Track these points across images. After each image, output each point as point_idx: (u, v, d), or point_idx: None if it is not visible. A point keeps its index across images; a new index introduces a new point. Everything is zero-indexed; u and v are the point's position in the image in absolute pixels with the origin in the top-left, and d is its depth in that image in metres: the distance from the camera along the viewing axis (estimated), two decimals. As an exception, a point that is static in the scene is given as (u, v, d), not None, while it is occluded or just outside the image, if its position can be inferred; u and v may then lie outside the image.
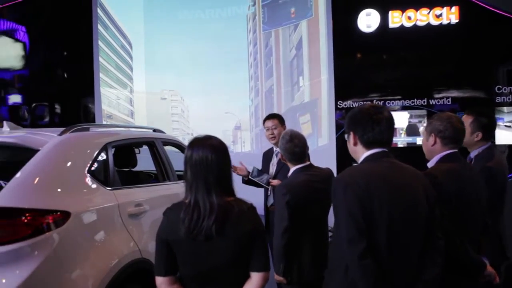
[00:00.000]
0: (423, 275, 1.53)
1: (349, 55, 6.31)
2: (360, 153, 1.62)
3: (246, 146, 7.47)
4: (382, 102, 5.96)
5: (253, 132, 7.38)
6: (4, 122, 2.67)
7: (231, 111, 7.47)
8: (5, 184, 1.92)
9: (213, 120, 7.46)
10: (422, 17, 5.59)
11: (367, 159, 1.59)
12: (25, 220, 1.82)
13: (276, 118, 3.12)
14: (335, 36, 6.24)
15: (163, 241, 1.50)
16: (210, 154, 1.49)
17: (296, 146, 2.22)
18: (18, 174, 1.97)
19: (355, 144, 1.62)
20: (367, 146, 1.59)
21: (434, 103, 5.67)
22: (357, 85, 6.23)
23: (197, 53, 7.54)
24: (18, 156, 2.13)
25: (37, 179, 2.02)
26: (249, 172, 3.03)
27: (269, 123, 3.06)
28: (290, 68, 7.01)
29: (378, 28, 5.88)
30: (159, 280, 1.50)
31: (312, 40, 6.71)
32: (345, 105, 6.11)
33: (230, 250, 1.45)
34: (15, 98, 8.33)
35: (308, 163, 2.28)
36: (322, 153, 6.18)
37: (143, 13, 7.77)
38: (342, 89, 6.21)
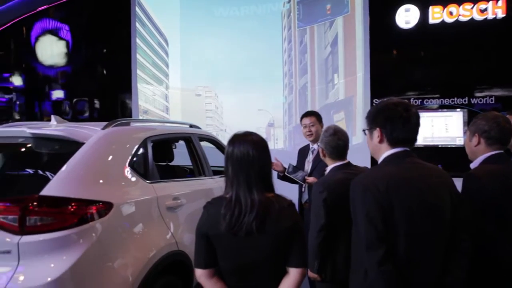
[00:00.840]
0: (446, 279, 1.46)
1: (386, 52, 6.17)
2: (383, 151, 1.55)
3: (279, 143, 7.47)
4: (419, 100, 5.80)
5: (286, 129, 7.36)
6: (52, 116, 2.80)
7: (264, 108, 7.48)
8: (52, 176, 2.01)
9: (247, 117, 7.50)
10: (465, 12, 5.38)
11: (388, 158, 1.53)
12: (72, 209, 1.91)
13: (313, 115, 3.11)
14: (372, 33, 6.11)
15: (203, 235, 1.53)
16: (251, 150, 1.49)
17: (340, 140, 2.20)
18: (65, 166, 2.06)
19: (380, 141, 1.55)
20: (393, 144, 1.53)
21: (475, 102, 5.45)
22: (393, 83, 6.08)
23: (232, 50, 7.60)
24: (65, 148, 2.22)
25: (82, 171, 2.11)
26: (285, 168, 3.04)
27: (307, 120, 3.06)
28: (325, 65, 6.94)
29: (417, 24, 5.71)
30: (199, 272, 1.54)
31: (348, 37, 6.61)
32: (381, 103, 5.97)
33: (270, 246, 1.46)
34: (58, 94, 8.72)
35: (346, 161, 2.26)
36: (357, 151, 6.04)
37: (179, 10, 7.91)
38: (378, 87, 6.08)
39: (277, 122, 7.47)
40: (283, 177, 3.04)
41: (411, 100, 5.83)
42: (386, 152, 1.54)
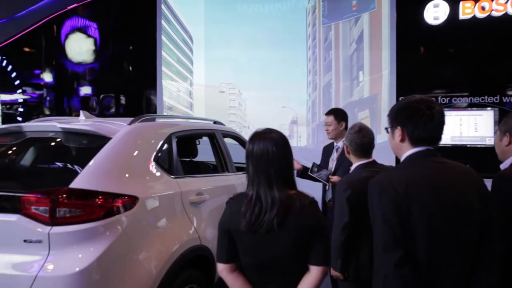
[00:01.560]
0: (476, 284, 1.39)
1: (413, 49, 6.04)
2: (404, 150, 1.49)
3: (302, 141, 7.43)
4: (447, 99, 5.65)
5: (310, 127, 7.32)
6: (81, 112, 2.88)
7: (288, 105, 7.46)
8: (81, 170, 2.07)
9: (270, 114, 7.50)
10: (498, 6, 5.18)
11: (409, 158, 1.47)
12: (99, 202, 1.96)
13: (332, 114, 3.09)
14: (399, 29, 5.99)
15: (225, 230, 1.54)
16: (270, 147, 1.49)
17: (364, 137, 2.17)
18: (93, 160, 2.12)
19: (402, 140, 1.49)
20: (415, 143, 1.47)
21: (507, 100, 5.26)
22: (420, 80, 5.95)
23: (256, 47, 7.60)
24: (92, 142, 2.28)
25: (109, 165, 2.16)
26: (303, 166, 3.02)
27: (326, 119, 3.06)
28: (350, 63, 6.85)
29: (446, 20, 5.55)
30: (220, 267, 1.55)
31: (374, 34, 6.50)
32: (407, 101, 5.84)
33: (290, 243, 1.46)
34: (86, 90, 8.95)
35: (371, 159, 2.23)
36: (381, 150, 5.94)
37: (203, 7, 7.96)
38: (404, 85, 5.96)
39: (300, 119, 7.44)
40: (301, 175, 3.02)
41: (439, 98, 5.69)
42: (407, 151, 1.48)
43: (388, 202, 1.36)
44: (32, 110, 9.39)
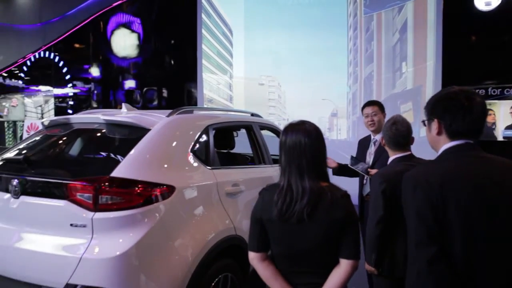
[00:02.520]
0: None
1: (461, 38, 5.75)
2: (441, 144, 1.42)
3: (342, 134, 7.32)
4: (499, 90, 5.34)
5: (350, 119, 7.19)
6: (123, 104, 3.01)
7: (328, 97, 7.36)
8: (122, 159, 2.17)
9: (310, 106, 7.44)
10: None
11: (447, 152, 1.40)
12: (138, 191, 2.05)
13: (376, 104, 2.99)
14: (446, 17, 5.72)
15: (257, 219, 1.57)
16: (303, 139, 1.49)
17: (398, 130, 2.11)
18: (133, 150, 2.21)
19: (438, 133, 1.42)
20: (453, 136, 1.39)
21: None
22: (468, 71, 5.65)
23: (296, 39, 7.54)
24: (133, 133, 2.37)
25: (148, 155, 2.25)
26: (338, 164, 2.96)
27: (369, 110, 2.95)
28: (393, 53, 6.64)
29: (499, 5, 5.23)
30: (252, 255, 1.58)
31: (419, 23, 6.25)
32: (454, 93, 5.58)
33: (320, 235, 1.46)
34: (130, 83, 9.30)
35: (409, 153, 2.16)
36: (425, 144, 5.76)
37: (243, 0, 7.99)
38: (450, 75, 5.69)
39: (340, 112, 7.32)
40: (337, 172, 2.97)
41: (489, 89, 5.39)
42: (445, 145, 1.41)
43: (422, 198, 1.31)
44: (81, 103, 9.90)
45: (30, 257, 2.08)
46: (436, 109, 1.44)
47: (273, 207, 1.49)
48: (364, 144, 3.08)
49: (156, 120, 2.47)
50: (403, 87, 6.49)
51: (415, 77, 6.36)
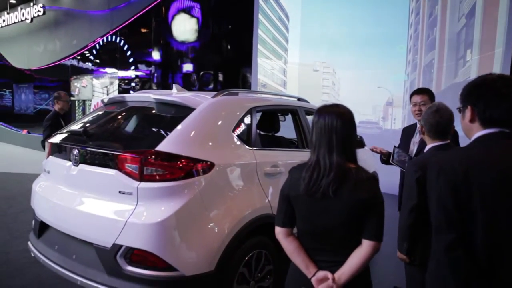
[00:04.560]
0: None
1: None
2: (474, 132, 1.37)
3: (396, 124, 7.08)
4: None
5: (406, 109, 6.92)
6: (173, 85, 3.19)
7: (384, 86, 7.13)
8: (167, 135, 2.33)
9: (364, 94, 7.26)
10: None
11: (478, 140, 1.35)
12: (180, 165, 2.21)
13: (425, 93, 2.87)
14: (519, 1, 5.27)
15: (285, 196, 1.64)
16: (335, 120, 1.53)
17: (441, 118, 2.06)
18: (178, 127, 2.37)
19: (471, 120, 1.37)
20: (486, 124, 1.34)
21: None
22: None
23: (353, 24, 7.35)
24: (179, 112, 2.53)
25: (192, 133, 2.39)
26: (389, 153, 2.91)
27: (418, 98, 2.85)
28: (457, 40, 6.25)
29: None
30: (277, 230, 1.66)
31: (489, 6, 5.81)
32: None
33: (344, 213, 1.49)
34: (187, 67, 9.65)
35: (447, 141, 2.09)
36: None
37: (302, -15, 7.91)
38: (520, 65, 5.27)
39: (396, 101, 7.07)
40: (386, 161, 2.92)
41: None
42: (477, 133, 1.37)
43: (445, 184, 1.29)
44: (143, 84, 10.47)
45: (85, 218, 2.34)
46: (470, 95, 1.39)
47: (300, 183, 1.55)
48: (409, 132, 3.00)
49: (202, 100, 2.60)
50: (466, 76, 6.11)
51: (481, 66, 5.96)
